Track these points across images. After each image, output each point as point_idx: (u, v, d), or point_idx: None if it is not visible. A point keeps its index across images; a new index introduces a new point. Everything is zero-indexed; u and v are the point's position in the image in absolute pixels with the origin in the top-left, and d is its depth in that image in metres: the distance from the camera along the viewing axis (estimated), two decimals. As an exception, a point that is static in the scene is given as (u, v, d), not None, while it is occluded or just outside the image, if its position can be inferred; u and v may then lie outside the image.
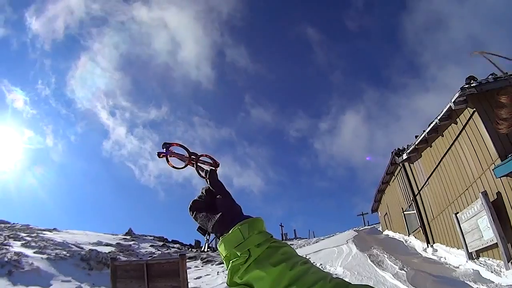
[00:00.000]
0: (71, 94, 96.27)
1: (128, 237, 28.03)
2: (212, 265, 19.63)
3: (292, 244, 27.45)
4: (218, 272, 16.34)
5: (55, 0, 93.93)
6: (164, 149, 0.78)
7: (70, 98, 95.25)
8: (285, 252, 0.66)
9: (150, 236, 31.55)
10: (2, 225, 24.57)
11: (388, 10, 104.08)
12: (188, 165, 0.80)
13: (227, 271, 0.67)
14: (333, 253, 13.10)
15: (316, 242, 23.18)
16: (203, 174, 0.80)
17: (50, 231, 24.96)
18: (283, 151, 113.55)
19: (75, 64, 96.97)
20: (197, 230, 0.77)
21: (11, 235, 20.03)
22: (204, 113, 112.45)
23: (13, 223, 27.09)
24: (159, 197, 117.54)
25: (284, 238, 36.88)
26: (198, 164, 0.80)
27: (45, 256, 16.37)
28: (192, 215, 0.75)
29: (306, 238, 33.18)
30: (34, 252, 16.69)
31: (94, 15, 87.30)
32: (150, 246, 25.56)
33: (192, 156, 0.80)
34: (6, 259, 14.28)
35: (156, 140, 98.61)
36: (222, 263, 0.76)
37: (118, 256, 17.19)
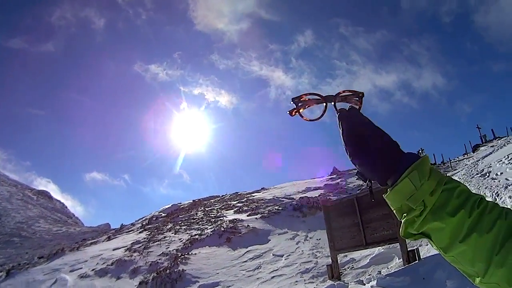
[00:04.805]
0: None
1: (334, 176, 29.05)
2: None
3: (493, 146, 26.76)
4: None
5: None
6: (294, 104, 0.73)
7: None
8: (460, 194, 0.59)
9: (355, 169, 31.66)
10: (212, 200, 27.30)
11: None
12: (327, 108, 0.73)
13: (402, 223, 0.62)
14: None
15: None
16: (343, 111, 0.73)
17: (258, 192, 26.53)
18: (443, 38, 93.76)
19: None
20: (356, 174, 0.72)
21: (223, 206, 21.63)
22: (347, 22, 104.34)
23: (223, 195, 30.38)
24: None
25: (483, 141, 36.52)
26: (337, 102, 0.73)
27: (258, 216, 16.62)
28: (350, 158, 0.72)
29: (505, 137, 31.85)
30: (248, 215, 17.22)
31: None
32: (356, 179, 25.08)
33: (328, 98, 0.74)
34: (222, 229, 14.73)
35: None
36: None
37: (328, 197, 16.81)
